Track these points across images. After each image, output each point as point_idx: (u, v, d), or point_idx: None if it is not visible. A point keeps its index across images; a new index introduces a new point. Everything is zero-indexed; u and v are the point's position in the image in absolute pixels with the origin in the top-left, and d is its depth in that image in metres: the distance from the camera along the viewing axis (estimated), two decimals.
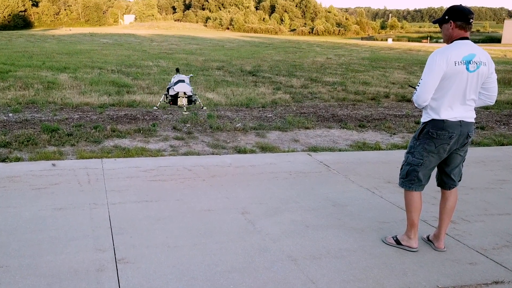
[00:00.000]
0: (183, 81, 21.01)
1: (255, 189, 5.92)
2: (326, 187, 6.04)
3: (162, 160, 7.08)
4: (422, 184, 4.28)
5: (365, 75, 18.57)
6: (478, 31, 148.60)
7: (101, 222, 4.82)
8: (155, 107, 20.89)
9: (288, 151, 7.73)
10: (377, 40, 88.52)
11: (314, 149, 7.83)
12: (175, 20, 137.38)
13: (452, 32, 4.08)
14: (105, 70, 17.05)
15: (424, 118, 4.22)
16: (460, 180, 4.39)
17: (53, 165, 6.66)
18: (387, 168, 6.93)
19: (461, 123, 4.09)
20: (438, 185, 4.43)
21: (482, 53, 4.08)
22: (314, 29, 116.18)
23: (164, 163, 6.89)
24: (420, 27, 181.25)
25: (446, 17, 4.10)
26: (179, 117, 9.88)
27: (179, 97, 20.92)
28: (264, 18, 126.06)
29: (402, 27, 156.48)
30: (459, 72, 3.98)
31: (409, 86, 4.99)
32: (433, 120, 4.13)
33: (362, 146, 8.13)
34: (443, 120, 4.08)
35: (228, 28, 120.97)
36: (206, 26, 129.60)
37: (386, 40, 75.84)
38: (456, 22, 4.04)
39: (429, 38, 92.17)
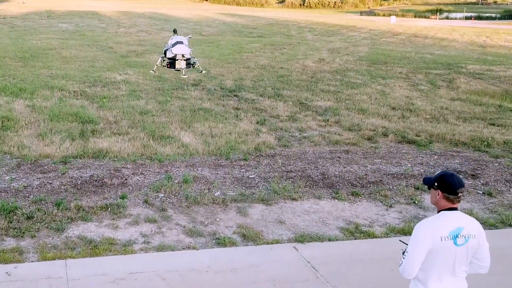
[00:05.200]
0: (181, 42, 21.30)
1: None
2: None
3: (133, 261, 7.44)
4: None
5: (362, 94, 19.00)
6: (495, 2, 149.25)
7: None
8: (151, 71, 21.27)
9: (272, 242, 8.13)
10: (378, 15, 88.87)
11: (301, 238, 8.23)
12: None
13: (440, 201, 4.46)
14: (66, 93, 17.27)
15: (412, 287, 4.60)
16: None
17: (8, 274, 7.01)
18: (380, 271, 7.33)
19: None
20: None
21: (471, 224, 4.45)
22: (306, 0, 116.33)
23: (135, 267, 7.25)
24: None
25: (436, 184, 4.47)
26: (150, 182, 10.20)
27: (177, 59, 21.18)
28: None
29: None
30: (446, 247, 4.36)
31: (400, 241, 5.34)
32: None
33: (354, 231, 8.54)
34: None
35: (206, 0, 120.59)
36: None
37: (389, 16, 76.25)
38: (444, 193, 4.41)
39: (438, 13, 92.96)
